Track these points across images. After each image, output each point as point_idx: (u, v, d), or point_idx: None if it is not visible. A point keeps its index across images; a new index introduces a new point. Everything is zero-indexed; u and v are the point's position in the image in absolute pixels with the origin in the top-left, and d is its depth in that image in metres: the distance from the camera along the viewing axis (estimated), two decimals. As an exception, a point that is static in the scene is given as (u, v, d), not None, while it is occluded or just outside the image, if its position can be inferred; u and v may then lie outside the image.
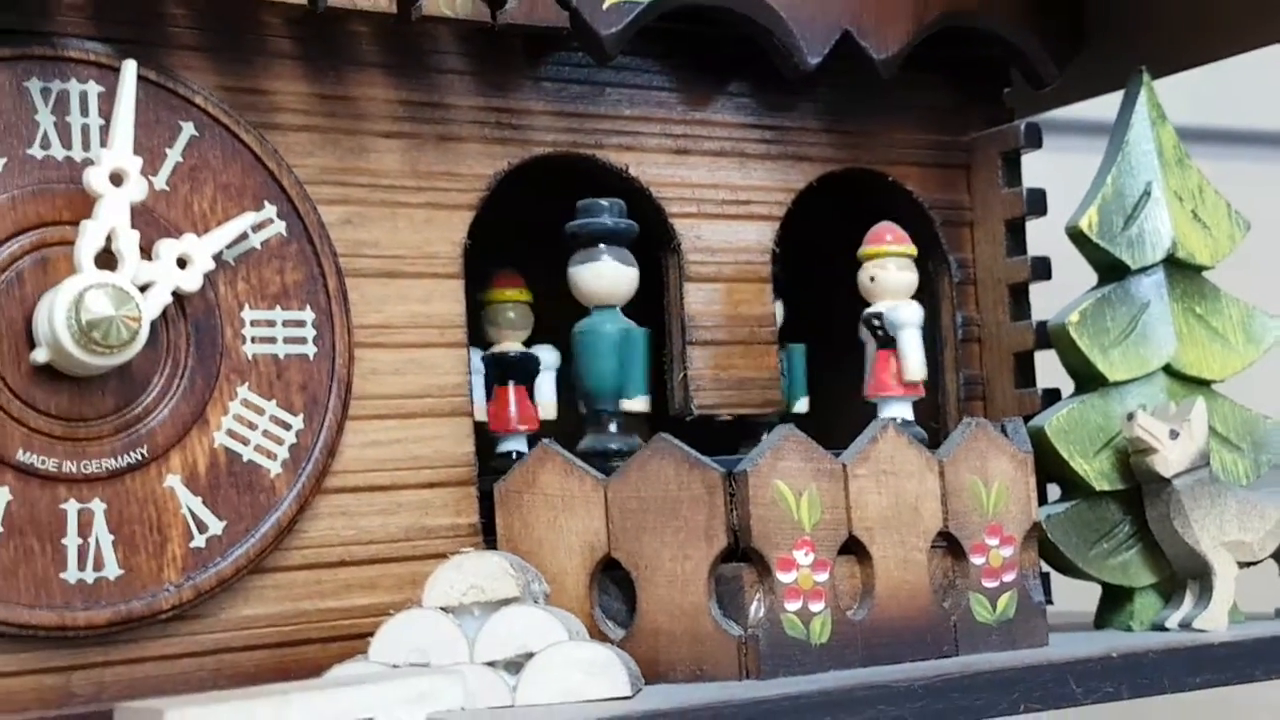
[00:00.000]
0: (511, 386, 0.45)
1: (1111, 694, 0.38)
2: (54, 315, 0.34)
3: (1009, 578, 0.40)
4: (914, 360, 0.44)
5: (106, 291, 0.34)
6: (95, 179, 0.35)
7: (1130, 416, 0.43)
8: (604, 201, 0.41)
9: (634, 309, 0.44)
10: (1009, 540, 0.40)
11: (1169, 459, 0.42)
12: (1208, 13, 0.48)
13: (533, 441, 0.44)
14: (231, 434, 0.37)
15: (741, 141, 0.46)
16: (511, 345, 0.45)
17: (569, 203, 0.43)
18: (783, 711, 0.33)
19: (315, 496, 0.38)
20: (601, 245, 0.41)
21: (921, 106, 0.49)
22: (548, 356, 0.46)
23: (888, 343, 0.44)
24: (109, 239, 0.35)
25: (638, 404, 0.41)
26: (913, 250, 0.45)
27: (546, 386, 0.46)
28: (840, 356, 0.47)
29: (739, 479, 0.37)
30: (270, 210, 0.38)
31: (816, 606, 0.38)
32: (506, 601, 0.36)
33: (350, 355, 0.39)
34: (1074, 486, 0.44)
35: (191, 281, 0.36)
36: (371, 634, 0.37)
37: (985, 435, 0.41)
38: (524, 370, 0.45)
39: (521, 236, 0.45)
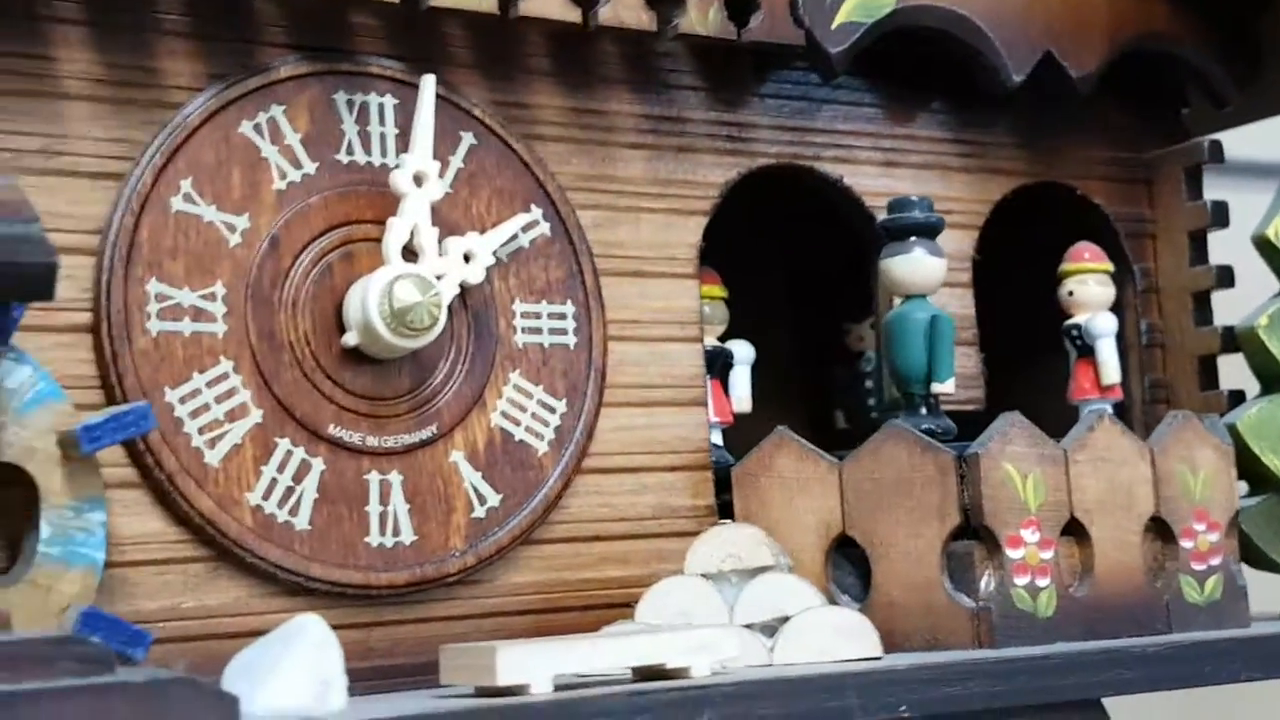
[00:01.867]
0: (708, 380, 0.48)
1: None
2: (367, 302, 0.37)
3: (1215, 561, 0.43)
4: (1110, 366, 0.47)
5: (413, 281, 0.37)
6: (400, 180, 0.39)
7: (1321, 413, 0.45)
8: (914, 198, 0.44)
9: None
10: (1215, 526, 0.43)
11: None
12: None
13: (726, 434, 0.47)
14: (505, 415, 0.40)
15: (944, 155, 0.49)
16: (708, 340, 0.48)
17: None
18: (1042, 669, 0.36)
19: (576, 475, 0.41)
20: (913, 238, 0.44)
21: (1106, 125, 0.52)
22: (742, 351, 0.48)
23: (1086, 351, 0.47)
24: (411, 234, 0.39)
25: (948, 386, 0.43)
26: (1109, 267, 0.48)
27: (741, 380, 0.48)
28: (1037, 357, 0.50)
29: (970, 461, 0.40)
30: (537, 213, 0.42)
31: (1043, 582, 0.41)
32: (761, 570, 0.39)
33: (605, 346, 0.42)
34: (1264, 481, 0.47)
35: (476, 275, 0.40)
36: (624, 604, 0.40)
37: (1192, 427, 0.43)
38: (720, 364, 0.48)
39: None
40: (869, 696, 0.35)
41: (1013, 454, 0.41)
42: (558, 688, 0.33)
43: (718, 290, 0.48)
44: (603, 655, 0.34)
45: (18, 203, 0.31)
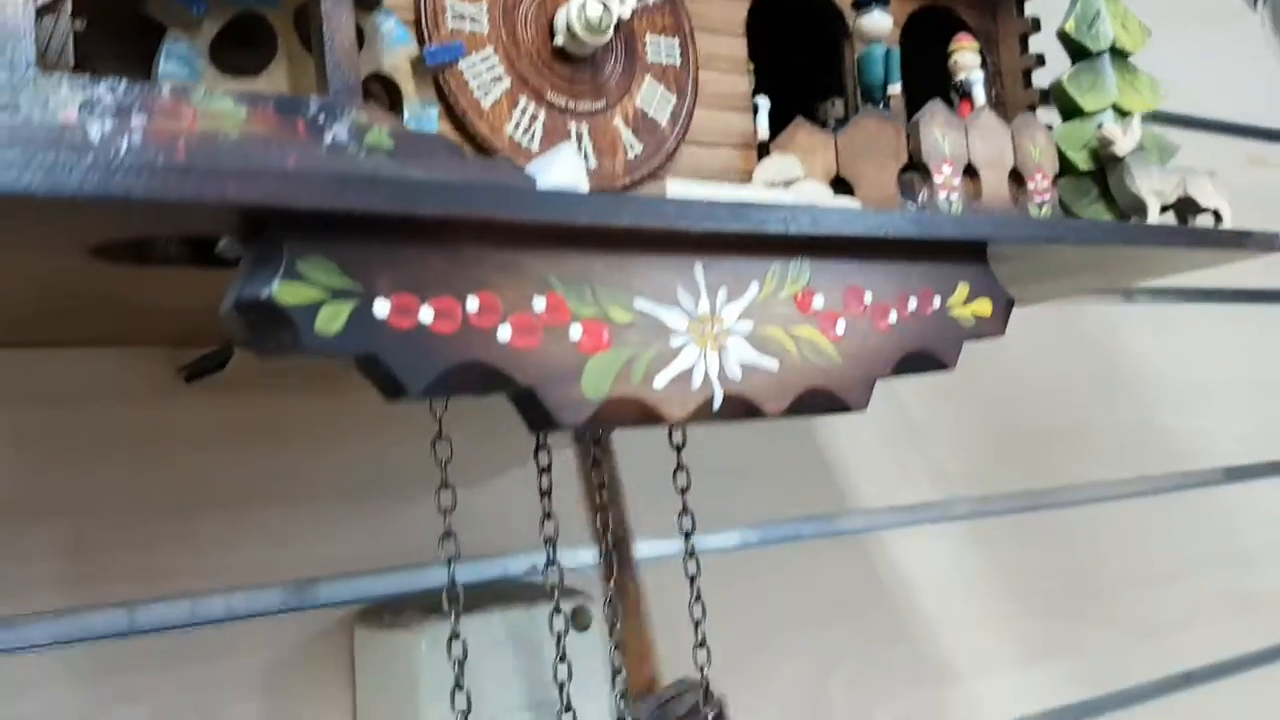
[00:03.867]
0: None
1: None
2: (570, 15, 0.63)
3: (1047, 198, 0.72)
4: (979, 100, 0.76)
5: (598, 4, 0.63)
6: (586, -50, 0.65)
7: (1099, 126, 0.75)
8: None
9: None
10: (1046, 177, 0.72)
11: (1122, 145, 0.75)
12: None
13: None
14: (643, 99, 0.66)
15: (872, -21, 0.78)
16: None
17: None
18: (962, 222, 0.64)
19: (681, 144, 0.67)
20: (874, 6, 0.71)
21: (964, -29, 0.82)
22: (763, 102, 0.75)
23: (965, 94, 0.76)
24: (593, -19, 0.65)
25: (897, 89, 0.69)
26: (977, 45, 0.77)
27: (762, 117, 0.74)
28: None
29: (912, 127, 0.68)
30: (650, -15, 0.68)
31: (955, 197, 0.69)
32: (796, 179, 0.67)
33: (696, 68, 0.68)
34: (1069, 168, 0.76)
35: (627, 12, 0.66)
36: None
37: (1032, 120, 0.73)
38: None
39: None
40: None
41: (937, 123, 0.69)
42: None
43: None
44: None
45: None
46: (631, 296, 0.52)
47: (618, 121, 0.65)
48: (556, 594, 0.68)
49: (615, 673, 0.70)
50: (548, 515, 0.67)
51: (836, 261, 0.58)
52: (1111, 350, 1.24)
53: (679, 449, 0.69)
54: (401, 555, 0.84)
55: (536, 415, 0.49)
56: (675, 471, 0.70)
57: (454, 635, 0.63)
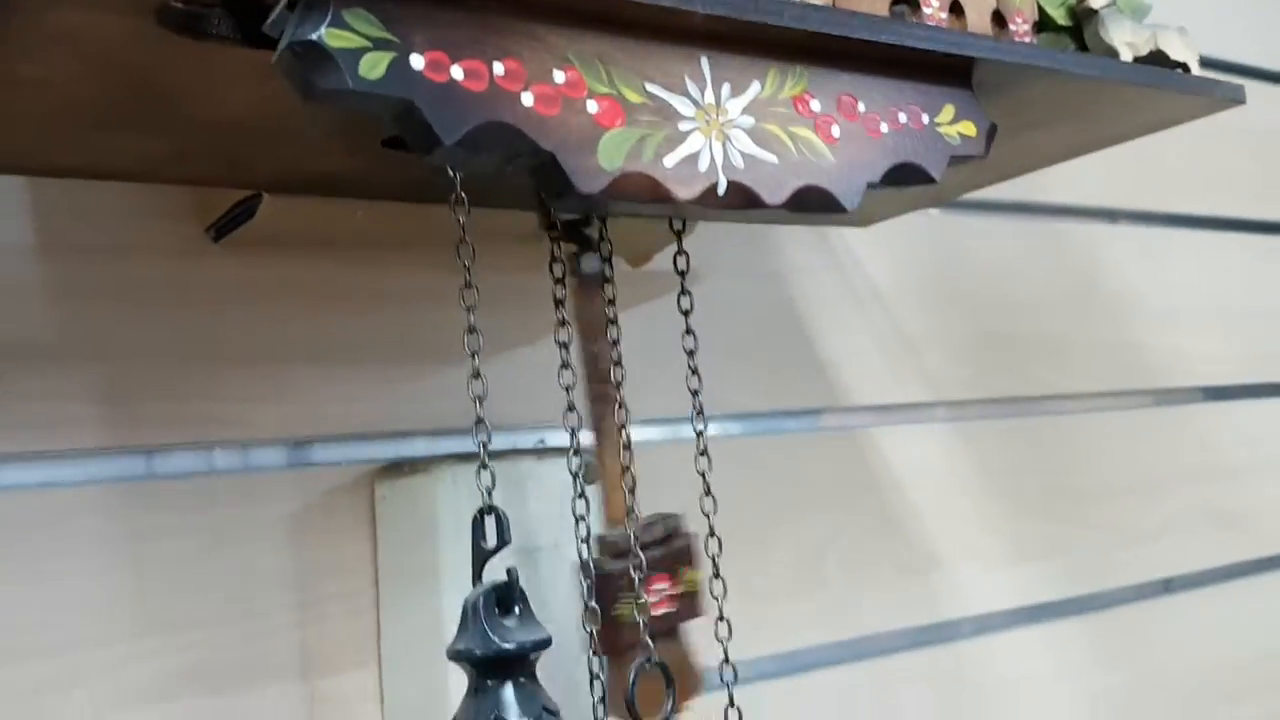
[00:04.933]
0: None
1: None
2: None
3: (1029, 40, 0.77)
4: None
5: None
6: None
7: (1077, -12, 0.80)
8: None
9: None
10: (1027, 21, 0.77)
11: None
12: None
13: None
14: None
15: None
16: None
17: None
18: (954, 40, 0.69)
19: None
20: None
21: None
22: None
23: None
24: None
25: None
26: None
27: None
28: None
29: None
30: None
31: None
32: None
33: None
34: (1047, 22, 0.81)
35: None
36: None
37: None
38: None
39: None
40: None
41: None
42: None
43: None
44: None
45: None
46: (643, 80, 0.56)
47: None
48: (575, 438, 0.71)
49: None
50: (565, 365, 0.70)
51: (833, 71, 0.62)
52: (1094, 270, 1.29)
53: (683, 275, 0.74)
54: (423, 421, 0.88)
55: (556, 181, 0.54)
56: (683, 335, 0.74)
57: (482, 465, 0.63)
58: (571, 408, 0.71)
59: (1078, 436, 1.24)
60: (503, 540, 0.54)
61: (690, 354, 0.76)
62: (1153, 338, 1.32)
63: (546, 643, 0.55)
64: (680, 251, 0.76)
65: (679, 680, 0.71)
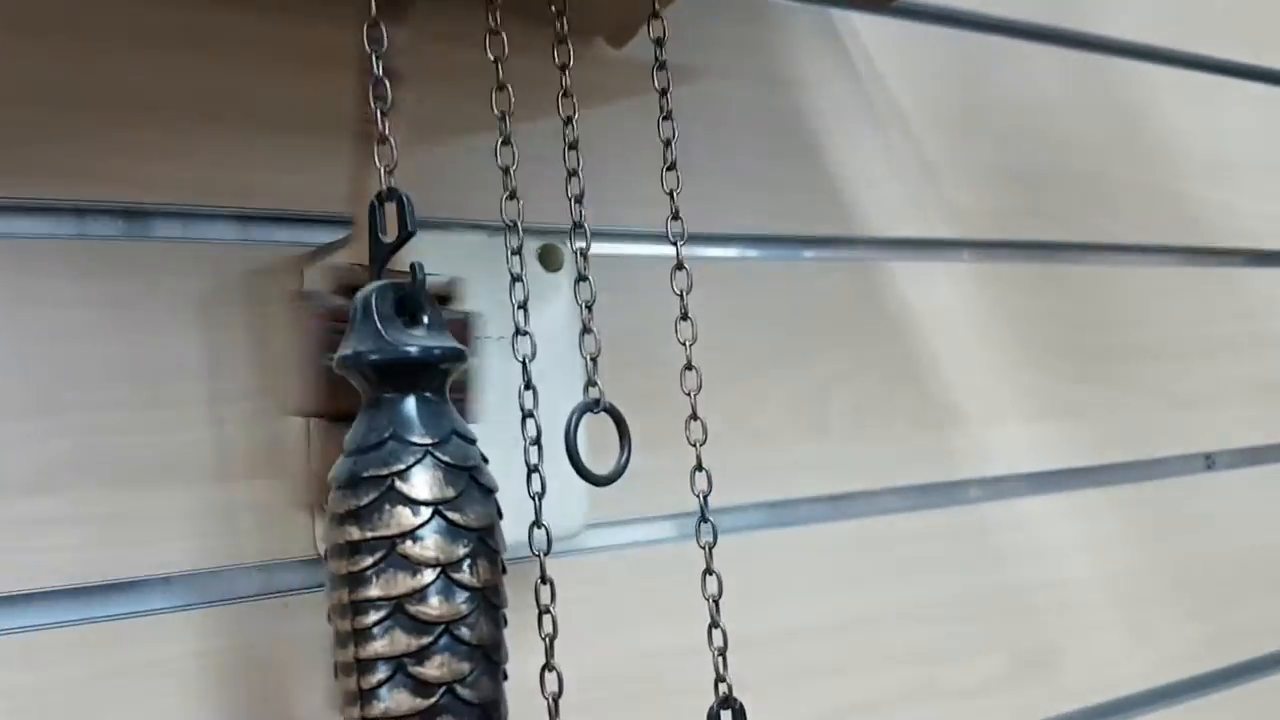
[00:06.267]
0: None
1: None
2: None
3: None
4: None
5: None
6: None
7: None
8: None
9: None
10: None
11: None
12: None
13: None
14: None
15: None
16: None
17: None
18: None
19: None
20: None
21: None
22: None
23: None
24: None
25: None
26: None
27: None
28: None
29: None
30: None
31: None
32: None
33: None
34: None
35: None
36: None
37: None
38: None
39: None
40: None
41: None
42: None
43: None
44: None
45: None
46: None
47: None
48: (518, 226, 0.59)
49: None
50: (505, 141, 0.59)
51: None
52: (1136, 109, 1.16)
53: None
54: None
55: None
56: (660, 119, 0.63)
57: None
58: (513, 195, 0.61)
59: (1111, 288, 1.12)
60: (406, 231, 0.42)
61: (667, 144, 0.65)
62: (1198, 188, 1.19)
63: (459, 354, 0.43)
64: (655, 15, 0.64)
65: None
